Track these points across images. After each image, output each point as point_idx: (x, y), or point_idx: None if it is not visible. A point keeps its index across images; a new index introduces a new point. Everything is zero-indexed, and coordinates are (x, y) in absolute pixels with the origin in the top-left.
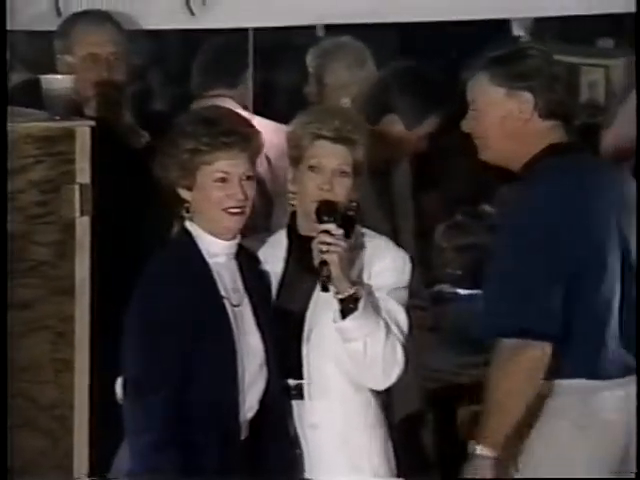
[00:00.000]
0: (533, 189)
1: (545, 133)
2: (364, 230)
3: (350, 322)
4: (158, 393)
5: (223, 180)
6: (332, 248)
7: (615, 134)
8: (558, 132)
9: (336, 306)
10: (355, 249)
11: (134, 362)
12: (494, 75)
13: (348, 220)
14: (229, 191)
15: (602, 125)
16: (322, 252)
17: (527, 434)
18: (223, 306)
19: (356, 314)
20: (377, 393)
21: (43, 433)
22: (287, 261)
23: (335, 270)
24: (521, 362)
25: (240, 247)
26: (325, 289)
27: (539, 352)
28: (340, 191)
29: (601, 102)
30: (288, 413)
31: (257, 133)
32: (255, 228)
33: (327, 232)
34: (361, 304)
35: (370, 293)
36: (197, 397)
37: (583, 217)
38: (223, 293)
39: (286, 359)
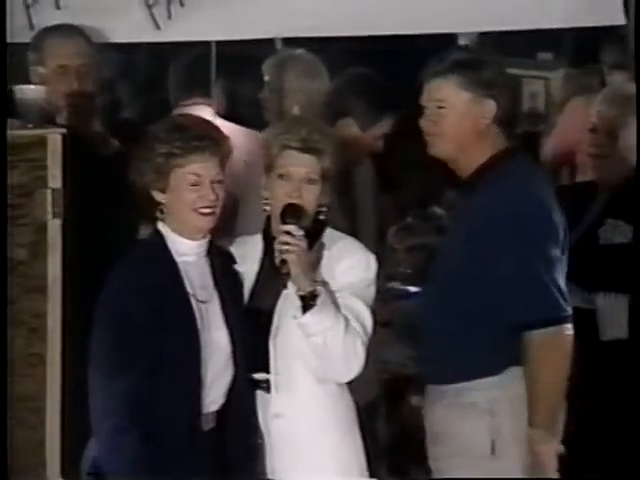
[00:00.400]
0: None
1: (495, 139)
2: (333, 231)
3: (309, 318)
4: (122, 379)
5: (195, 182)
6: (291, 248)
7: (554, 141)
8: (502, 139)
9: (298, 303)
10: (323, 249)
11: (100, 350)
12: (462, 79)
13: (319, 223)
14: (201, 193)
15: (542, 133)
16: (282, 251)
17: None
18: (189, 302)
19: (315, 310)
20: (345, 387)
21: (20, 425)
22: (262, 262)
23: (294, 268)
24: (563, 346)
25: (214, 246)
26: (285, 286)
27: (570, 333)
28: (308, 198)
29: (541, 111)
30: (254, 405)
31: (226, 138)
32: (232, 229)
33: (288, 233)
34: (319, 300)
35: (330, 291)
36: (161, 386)
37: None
38: (190, 290)
39: (254, 354)
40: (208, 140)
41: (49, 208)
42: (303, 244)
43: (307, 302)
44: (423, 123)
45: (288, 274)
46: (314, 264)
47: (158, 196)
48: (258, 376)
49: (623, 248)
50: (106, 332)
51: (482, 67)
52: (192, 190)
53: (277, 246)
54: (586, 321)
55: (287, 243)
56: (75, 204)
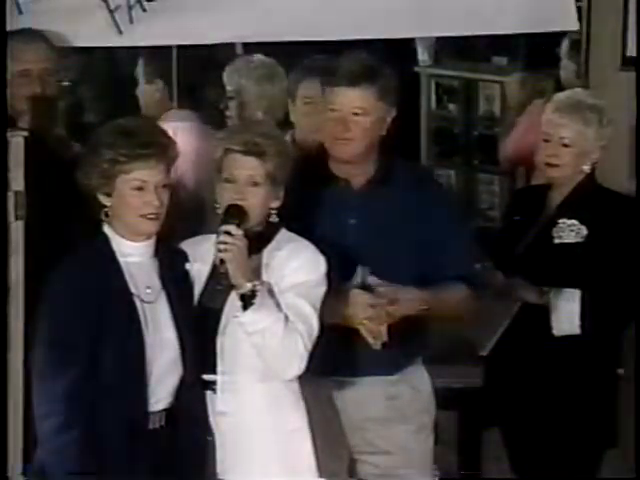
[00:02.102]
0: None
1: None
2: (287, 233)
3: (248, 316)
4: (61, 379)
5: (140, 188)
6: (229, 247)
7: (512, 143)
8: None
9: (238, 302)
10: (275, 250)
11: (39, 349)
12: (378, 88)
13: (271, 226)
14: (146, 198)
15: (499, 136)
16: (220, 250)
17: None
18: (132, 302)
19: (253, 308)
20: (295, 385)
21: None
22: (214, 261)
23: (231, 267)
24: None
25: (163, 246)
26: (220, 284)
27: None
28: (253, 200)
29: (497, 115)
30: (204, 404)
31: (173, 143)
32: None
33: (228, 233)
34: (258, 299)
35: (271, 290)
36: (103, 386)
37: None
38: (134, 290)
39: (204, 354)
40: (154, 147)
41: (11, 210)
42: (241, 244)
43: (247, 301)
44: (331, 126)
45: (226, 273)
46: (256, 265)
47: (104, 200)
48: (208, 377)
49: (576, 247)
50: (45, 331)
51: (387, 75)
52: (137, 195)
53: (216, 245)
54: (539, 317)
55: (225, 242)
56: (37, 206)
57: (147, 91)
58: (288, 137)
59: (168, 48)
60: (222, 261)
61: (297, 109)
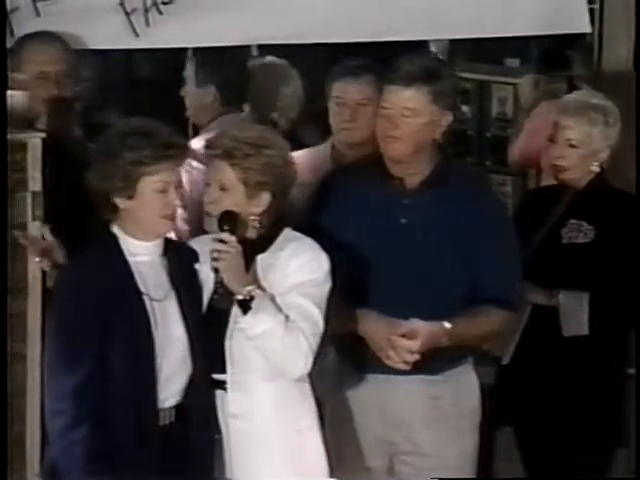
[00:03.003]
0: None
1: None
2: (291, 232)
3: (247, 321)
4: (70, 378)
5: (163, 189)
6: (222, 255)
7: (521, 144)
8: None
9: (237, 307)
10: (278, 251)
11: (50, 348)
12: (432, 90)
13: (271, 228)
14: (168, 199)
15: (511, 137)
16: (214, 259)
17: None
18: (141, 301)
19: (251, 312)
20: (306, 385)
21: None
22: None
23: (225, 275)
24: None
25: (173, 244)
26: (217, 292)
27: None
28: (223, 206)
29: (510, 116)
30: (213, 403)
31: (187, 145)
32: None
33: (222, 241)
34: (254, 303)
35: (269, 293)
36: (113, 384)
37: None
38: (142, 289)
39: (212, 353)
40: (175, 148)
41: (29, 211)
42: (234, 250)
43: (245, 306)
44: (381, 123)
45: (222, 282)
46: (258, 267)
47: (121, 203)
48: (217, 376)
49: (585, 247)
50: (55, 329)
51: (446, 78)
52: (159, 197)
53: (210, 254)
54: (548, 318)
55: (218, 251)
56: (54, 207)
57: (196, 94)
58: (330, 140)
59: (219, 52)
60: (217, 270)
61: (330, 110)
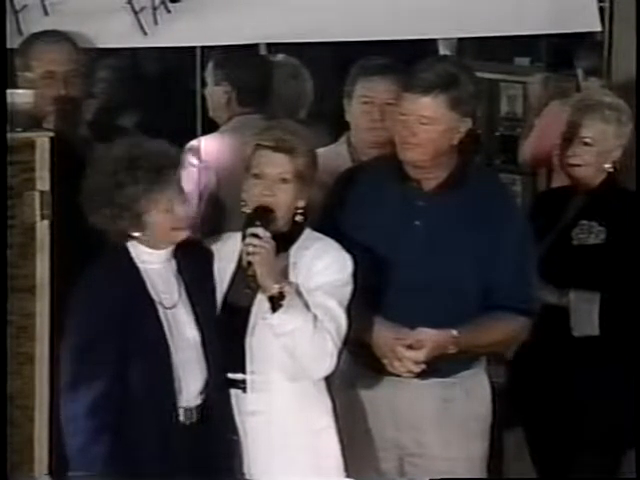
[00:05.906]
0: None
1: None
2: (312, 232)
3: (277, 318)
4: (88, 385)
5: (170, 209)
6: (257, 250)
7: (532, 144)
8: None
9: (266, 303)
10: (302, 250)
11: (66, 356)
12: (449, 98)
13: (296, 225)
14: (176, 216)
15: (520, 136)
16: (248, 253)
17: None
18: (154, 309)
19: (282, 310)
20: (323, 385)
21: (8, 423)
22: (239, 260)
23: (259, 270)
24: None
25: (186, 244)
26: (249, 287)
27: None
28: (282, 197)
29: (519, 115)
30: (229, 404)
31: (180, 154)
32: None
33: (255, 235)
34: (286, 301)
35: (299, 291)
36: (131, 390)
37: None
38: (154, 297)
39: (230, 353)
40: (168, 167)
41: (37, 210)
42: (269, 246)
43: (276, 303)
44: (399, 130)
45: (254, 276)
46: (283, 265)
47: (134, 234)
48: (234, 376)
49: (595, 248)
50: (70, 339)
51: (465, 84)
52: (168, 217)
53: (244, 248)
54: (559, 318)
55: (253, 245)
56: (62, 206)
57: (214, 93)
58: (344, 139)
59: (236, 51)
60: (250, 263)
61: (354, 108)
